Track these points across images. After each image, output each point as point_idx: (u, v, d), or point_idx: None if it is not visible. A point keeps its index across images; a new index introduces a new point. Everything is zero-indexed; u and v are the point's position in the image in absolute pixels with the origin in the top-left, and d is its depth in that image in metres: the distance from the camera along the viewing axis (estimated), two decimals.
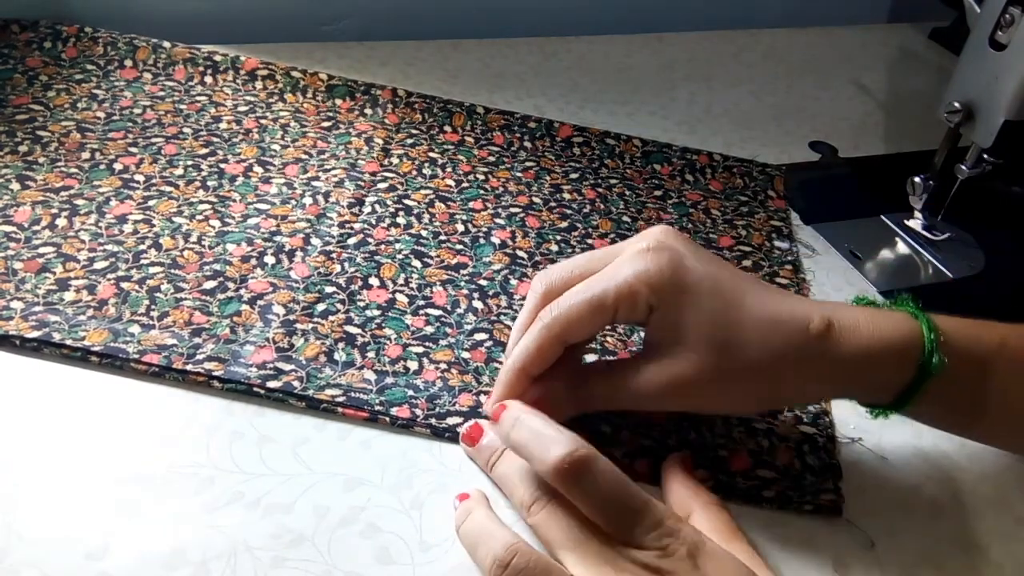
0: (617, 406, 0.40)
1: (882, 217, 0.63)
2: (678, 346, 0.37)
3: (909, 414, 0.40)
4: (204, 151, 0.56)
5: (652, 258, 0.37)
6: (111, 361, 0.41)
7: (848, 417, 0.45)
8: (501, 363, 0.45)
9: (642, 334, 0.48)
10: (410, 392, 0.42)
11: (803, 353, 0.37)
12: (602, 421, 0.42)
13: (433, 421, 0.41)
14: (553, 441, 0.34)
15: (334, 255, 0.50)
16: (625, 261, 0.38)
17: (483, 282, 0.50)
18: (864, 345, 0.37)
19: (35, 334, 0.42)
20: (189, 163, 0.55)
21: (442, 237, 0.53)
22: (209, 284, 0.47)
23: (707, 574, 0.33)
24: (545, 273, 0.40)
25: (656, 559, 0.33)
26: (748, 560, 0.35)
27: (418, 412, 0.41)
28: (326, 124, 0.61)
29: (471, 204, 0.56)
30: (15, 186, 0.51)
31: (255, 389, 0.41)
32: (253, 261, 0.49)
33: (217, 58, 0.64)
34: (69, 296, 0.44)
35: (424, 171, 0.58)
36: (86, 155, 0.54)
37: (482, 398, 0.43)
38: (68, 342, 0.42)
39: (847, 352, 0.37)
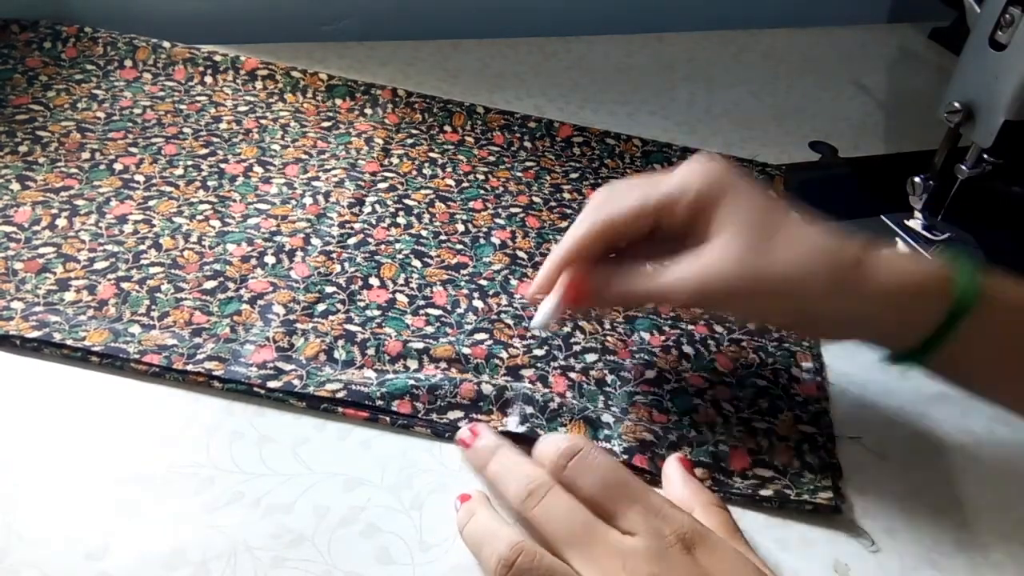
0: (647, 298, 0.40)
1: (882, 217, 0.63)
2: (717, 242, 0.37)
3: (937, 366, 0.39)
4: (204, 151, 0.56)
5: (700, 165, 0.39)
6: (111, 361, 0.41)
7: (848, 416, 0.45)
8: (501, 359, 0.45)
9: (643, 335, 0.48)
10: (411, 382, 0.42)
11: (837, 273, 0.37)
12: (603, 414, 0.42)
13: (434, 416, 0.41)
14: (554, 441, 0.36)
15: (334, 255, 0.50)
16: (676, 171, 0.39)
17: (483, 282, 0.50)
18: (898, 274, 0.37)
19: (35, 334, 0.42)
20: (189, 163, 0.55)
21: (442, 237, 0.53)
22: (209, 284, 0.47)
23: (708, 566, 0.33)
24: (606, 185, 0.42)
25: (656, 546, 0.33)
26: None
27: (419, 405, 0.41)
28: (326, 124, 0.61)
29: (471, 204, 0.56)
30: (15, 186, 0.51)
31: (255, 389, 0.41)
32: (253, 261, 0.49)
33: (217, 58, 0.64)
34: (69, 296, 0.44)
35: (424, 171, 0.58)
36: (86, 155, 0.54)
37: (484, 388, 0.43)
38: (68, 342, 0.42)
39: (881, 280, 0.37)
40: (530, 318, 0.48)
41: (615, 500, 0.34)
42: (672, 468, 0.40)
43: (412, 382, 0.42)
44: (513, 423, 0.41)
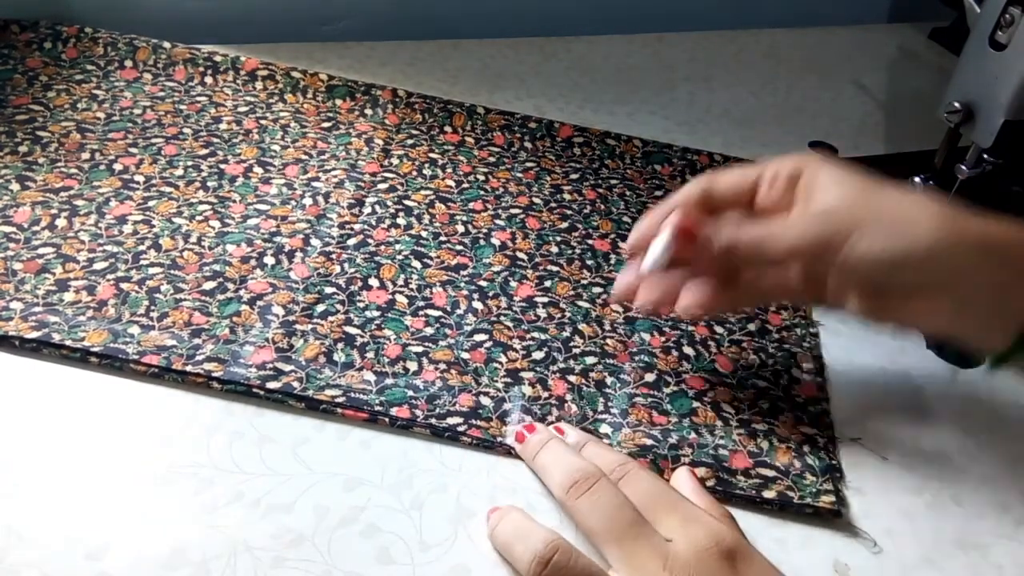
0: (753, 245, 0.38)
1: None
2: (822, 195, 0.38)
3: None
4: (204, 152, 0.56)
5: (801, 154, 0.40)
6: (111, 362, 0.41)
7: (849, 417, 0.45)
8: (500, 363, 0.45)
9: (644, 335, 0.48)
10: (410, 392, 0.42)
11: (953, 242, 0.36)
12: (602, 423, 0.42)
13: (433, 421, 0.41)
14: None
15: (334, 256, 0.50)
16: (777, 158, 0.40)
17: (483, 283, 0.50)
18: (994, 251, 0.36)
19: (35, 335, 0.42)
20: (189, 164, 0.55)
21: (442, 238, 0.53)
22: (209, 285, 0.47)
23: (745, 575, 0.33)
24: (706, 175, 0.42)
25: (697, 552, 0.33)
26: None
27: (418, 412, 0.41)
28: (326, 125, 0.61)
29: (471, 205, 0.56)
30: (15, 186, 0.51)
31: (255, 390, 0.41)
32: (253, 262, 0.49)
33: (217, 58, 0.64)
34: (69, 297, 0.44)
35: (424, 172, 0.58)
36: (86, 156, 0.54)
37: (482, 399, 0.43)
38: (68, 343, 0.42)
39: (974, 258, 0.36)
40: (531, 321, 0.48)
41: (655, 508, 0.35)
42: (683, 480, 0.40)
43: (411, 392, 0.42)
44: (511, 435, 0.41)
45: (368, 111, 0.63)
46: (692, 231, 0.40)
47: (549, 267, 0.52)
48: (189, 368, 0.41)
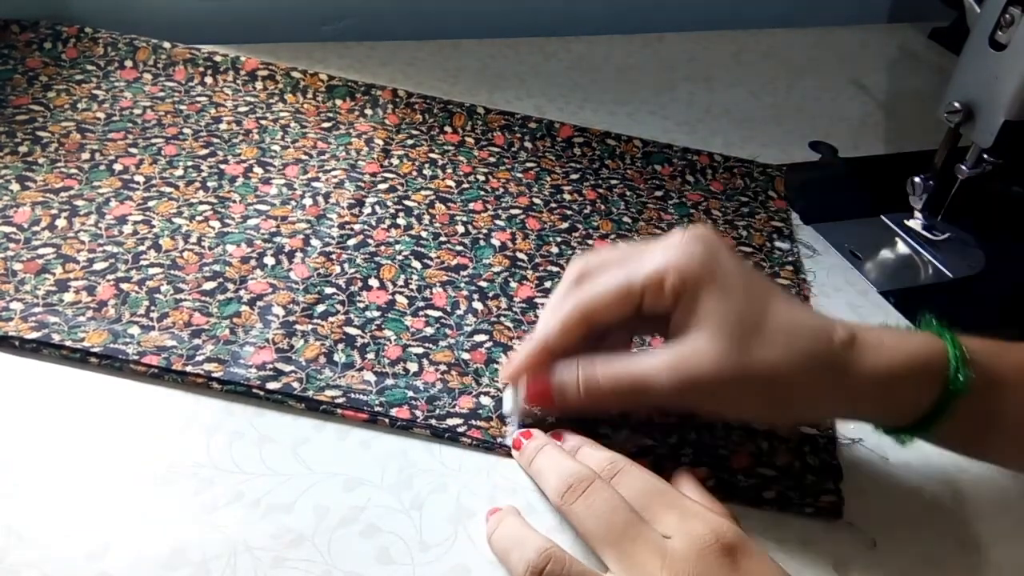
0: (624, 399, 0.39)
1: (882, 217, 0.63)
2: (700, 335, 0.36)
3: (930, 438, 0.39)
4: (204, 152, 0.56)
5: (685, 246, 0.37)
6: (110, 362, 0.41)
7: None
8: (501, 364, 0.45)
9: (644, 336, 0.48)
10: (410, 393, 0.42)
11: (825, 362, 0.36)
12: (602, 422, 0.42)
13: (433, 422, 0.41)
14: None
15: (334, 256, 0.50)
16: (659, 248, 0.38)
17: (483, 283, 0.50)
18: (887, 360, 0.36)
19: (34, 335, 0.42)
20: (189, 164, 0.55)
21: (442, 238, 0.53)
22: (209, 285, 0.47)
23: (747, 570, 0.32)
24: (582, 257, 0.40)
25: (697, 548, 0.32)
26: None
27: (418, 414, 0.41)
28: (326, 125, 0.61)
29: (471, 205, 0.56)
30: (15, 187, 0.51)
31: (254, 391, 0.41)
32: (253, 262, 0.49)
33: (217, 58, 0.64)
34: (69, 297, 0.44)
35: (424, 172, 0.58)
36: (86, 156, 0.54)
37: (482, 399, 0.43)
38: (68, 343, 0.42)
39: (870, 366, 0.36)
40: (531, 322, 0.48)
41: (652, 505, 0.35)
42: (684, 481, 0.39)
43: (411, 393, 0.42)
44: (512, 435, 0.41)
45: (368, 111, 0.63)
46: (545, 395, 0.39)
47: (549, 268, 0.52)
48: (189, 368, 0.41)
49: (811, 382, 0.36)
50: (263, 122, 0.60)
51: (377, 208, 0.54)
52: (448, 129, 0.63)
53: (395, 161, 0.59)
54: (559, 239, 0.55)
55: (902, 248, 0.61)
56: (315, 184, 0.55)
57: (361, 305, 0.47)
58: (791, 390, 0.36)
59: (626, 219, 0.57)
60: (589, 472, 0.36)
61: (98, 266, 0.47)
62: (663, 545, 0.33)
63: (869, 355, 0.36)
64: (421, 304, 0.48)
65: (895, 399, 0.37)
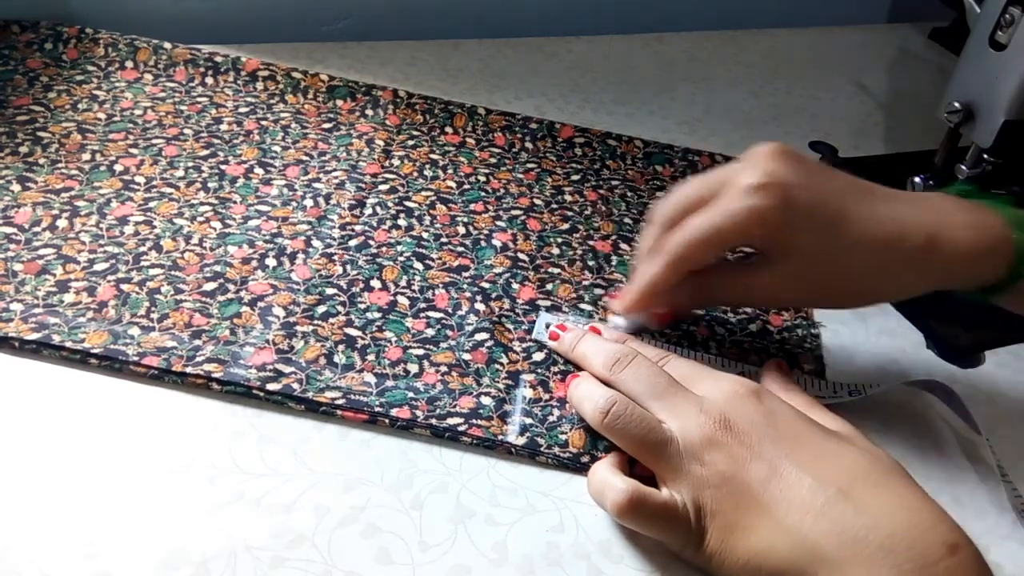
0: (732, 300, 0.48)
1: None
2: (789, 265, 0.42)
3: (1005, 302, 0.45)
4: (205, 152, 0.57)
5: (763, 197, 0.41)
6: (111, 363, 0.41)
7: (849, 418, 0.45)
8: (502, 364, 0.45)
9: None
10: (410, 394, 0.42)
11: (903, 267, 0.42)
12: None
13: (433, 422, 0.41)
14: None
15: (335, 257, 0.50)
16: (736, 197, 0.41)
17: (485, 285, 0.50)
18: (963, 248, 0.42)
19: (35, 336, 0.42)
20: (190, 164, 0.55)
21: (443, 239, 0.53)
22: (209, 286, 0.47)
23: (774, 409, 0.38)
24: (661, 204, 0.45)
25: (729, 395, 0.38)
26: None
27: (418, 414, 0.42)
28: (327, 125, 0.61)
29: (472, 206, 0.56)
30: (15, 187, 0.51)
31: (254, 392, 0.41)
32: (254, 263, 0.49)
33: (218, 59, 0.64)
34: (69, 298, 0.45)
35: (425, 173, 0.58)
36: (87, 156, 0.54)
37: (483, 399, 0.43)
38: (68, 344, 0.42)
39: (947, 254, 0.42)
40: (532, 322, 0.48)
41: (689, 379, 0.40)
42: (770, 372, 0.45)
43: (411, 394, 0.42)
44: (513, 433, 0.41)
45: (369, 112, 0.63)
46: (667, 319, 0.48)
47: (550, 269, 0.52)
48: (189, 369, 0.41)
49: (892, 282, 0.44)
50: (264, 123, 0.60)
51: (378, 209, 0.54)
52: (449, 130, 0.63)
53: (396, 162, 0.59)
54: (560, 240, 0.55)
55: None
56: (316, 185, 0.55)
57: (362, 306, 0.47)
58: (876, 292, 0.45)
59: (627, 220, 0.57)
60: (632, 350, 0.42)
61: (99, 267, 0.47)
62: (699, 398, 0.39)
63: (946, 246, 0.42)
64: (423, 305, 0.48)
65: (969, 278, 0.44)
